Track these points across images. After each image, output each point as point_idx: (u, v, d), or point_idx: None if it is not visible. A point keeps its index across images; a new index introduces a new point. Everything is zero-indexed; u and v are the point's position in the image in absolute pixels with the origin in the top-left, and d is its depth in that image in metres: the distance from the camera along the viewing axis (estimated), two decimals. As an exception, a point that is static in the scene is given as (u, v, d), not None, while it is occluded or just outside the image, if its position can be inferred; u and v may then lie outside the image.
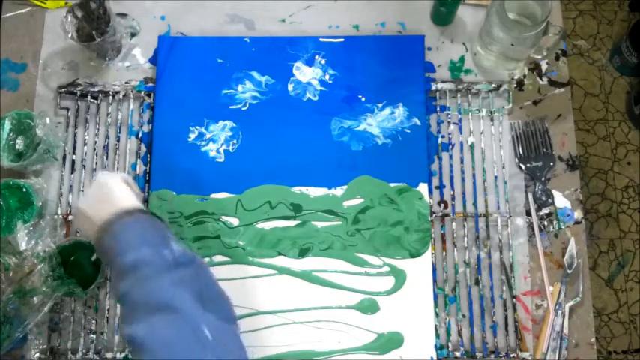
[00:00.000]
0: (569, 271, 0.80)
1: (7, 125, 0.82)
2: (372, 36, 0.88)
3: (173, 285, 0.57)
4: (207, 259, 0.79)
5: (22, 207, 0.81)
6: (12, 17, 0.92)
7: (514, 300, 0.79)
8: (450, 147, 0.85)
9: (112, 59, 0.88)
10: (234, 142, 0.84)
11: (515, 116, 0.86)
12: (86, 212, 0.63)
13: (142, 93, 0.87)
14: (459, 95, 0.87)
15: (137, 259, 0.58)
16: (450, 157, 0.84)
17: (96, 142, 0.85)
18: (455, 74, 0.88)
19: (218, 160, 0.83)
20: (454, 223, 0.81)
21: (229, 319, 0.59)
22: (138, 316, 0.55)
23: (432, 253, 0.80)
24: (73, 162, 0.85)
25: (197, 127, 0.84)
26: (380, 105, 0.85)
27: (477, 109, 0.86)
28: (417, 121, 0.84)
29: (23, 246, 0.73)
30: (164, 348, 0.54)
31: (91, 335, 0.79)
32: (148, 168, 0.84)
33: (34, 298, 0.72)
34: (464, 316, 0.79)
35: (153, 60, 0.89)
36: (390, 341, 0.77)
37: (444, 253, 0.81)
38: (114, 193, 0.63)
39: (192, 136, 0.84)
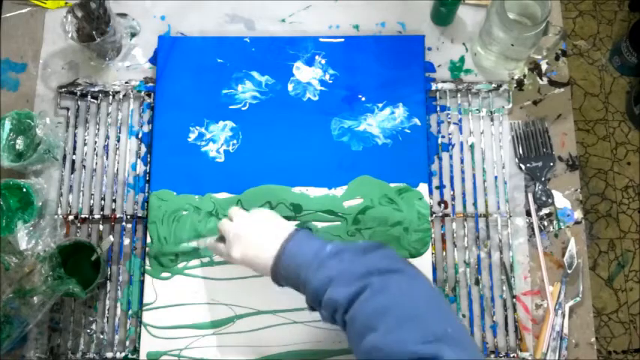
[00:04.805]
0: (569, 271, 0.80)
1: (7, 125, 0.82)
2: (372, 36, 0.88)
3: (384, 258, 0.59)
4: (207, 259, 0.79)
5: (22, 207, 0.81)
6: (12, 17, 0.92)
7: (514, 300, 0.79)
8: (450, 147, 0.85)
9: (112, 59, 0.88)
10: (234, 142, 0.84)
11: (515, 116, 0.86)
12: (256, 254, 0.65)
13: (142, 93, 0.87)
14: (459, 95, 0.87)
15: (333, 248, 0.60)
16: (450, 157, 0.84)
17: (96, 142, 0.85)
18: (455, 74, 0.88)
19: (218, 160, 0.83)
20: (454, 223, 0.81)
21: None
22: (368, 279, 0.56)
23: (432, 253, 0.80)
24: (73, 162, 0.85)
25: (197, 127, 0.84)
26: (380, 105, 0.85)
27: (477, 109, 0.86)
28: (417, 121, 0.84)
29: (23, 246, 0.73)
30: (403, 297, 0.55)
31: (91, 335, 0.79)
32: (148, 168, 0.84)
33: (34, 298, 0.72)
34: (464, 316, 0.79)
35: (153, 60, 0.89)
36: (390, 341, 0.77)
37: (444, 253, 0.81)
38: (273, 226, 0.66)
39: (192, 136, 0.84)
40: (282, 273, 0.62)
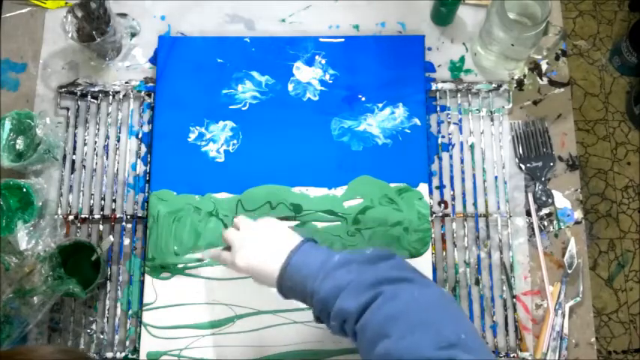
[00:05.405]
0: (569, 271, 0.80)
1: (7, 125, 0.82)
2: (372, 36, 0.88)
3: (394, 268, 0.58)
4: (207, 259, 0.79)
5: (22, 207, 0.81)
6: (12, 17, 0.92)
7: (514, 300, 0.79)
8: (450, 147, 0.85)
9: (112, 59, 0.88)
10: (235, 142, 0.84)
11: (515, 116, 0.86)
12: (262, 265, 0.64)
13: (142, 93, 0.87)
14: (459, 95, 0.87)
15: (341, 258, 0.59)
16: (450, 157, 0.84)
17: (96, 142, 0.85)
18: (455, 74, 0.88)
19: (218, 160, 0.83)
20: (454, 223, 0.81)
21: None
22: (380, 288, 0.56)
23: (432, 253, 0.80)
24: (73, 162, 0.85)
25: (197, 127, 0.84)
26: (380, 105, 0.85)
27: (477, 109, 0.86)
28: (417, 121, 0.84)
29: (23, 246, 0.73)
30: (415, 304, 0.54)
31: (91, 335, 0.79)
32: (148, 168, 0.84)
33: (34, 298, 0.72)
34: (464, 316, 0.79)
35: (153, 60, 0.89)
36: (390, 341, 0.76)
37: (444, 253, 0.81)
38: (279, 236, 0.65)
39: (192, 136, 0.84)
40: (288, 284, 0.62)
